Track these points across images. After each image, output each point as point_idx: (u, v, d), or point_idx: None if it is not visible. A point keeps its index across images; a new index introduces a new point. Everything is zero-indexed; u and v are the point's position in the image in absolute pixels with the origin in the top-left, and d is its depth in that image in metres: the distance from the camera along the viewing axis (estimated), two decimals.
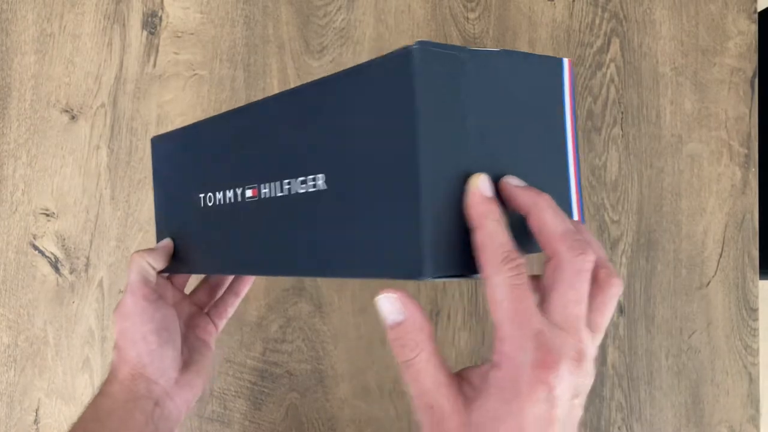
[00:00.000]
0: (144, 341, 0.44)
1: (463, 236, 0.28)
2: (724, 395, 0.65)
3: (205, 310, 0.52)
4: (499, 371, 0.26)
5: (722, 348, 0.66)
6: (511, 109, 0.32)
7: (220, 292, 0.54)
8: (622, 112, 0.68)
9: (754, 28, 0.69)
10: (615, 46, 0.68)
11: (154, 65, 0.67)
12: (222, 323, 0.53)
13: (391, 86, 0.29)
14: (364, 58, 0.67)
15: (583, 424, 0.64)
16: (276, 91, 0.66)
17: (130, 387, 0.44)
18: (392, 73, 0.29)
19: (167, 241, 0.47)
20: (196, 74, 0.67)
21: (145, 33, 0.67)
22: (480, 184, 0.28)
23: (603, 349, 0.65)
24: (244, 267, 0.41)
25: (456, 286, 0.65)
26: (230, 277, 0.54)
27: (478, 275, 0.28)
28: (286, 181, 0.36)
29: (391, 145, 0.29)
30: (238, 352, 0.64)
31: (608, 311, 0.29)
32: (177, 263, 0.47)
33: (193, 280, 0.53)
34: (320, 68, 0.67)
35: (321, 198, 0.33)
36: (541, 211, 0.28)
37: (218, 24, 0.67)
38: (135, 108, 0.66)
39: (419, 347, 0.28)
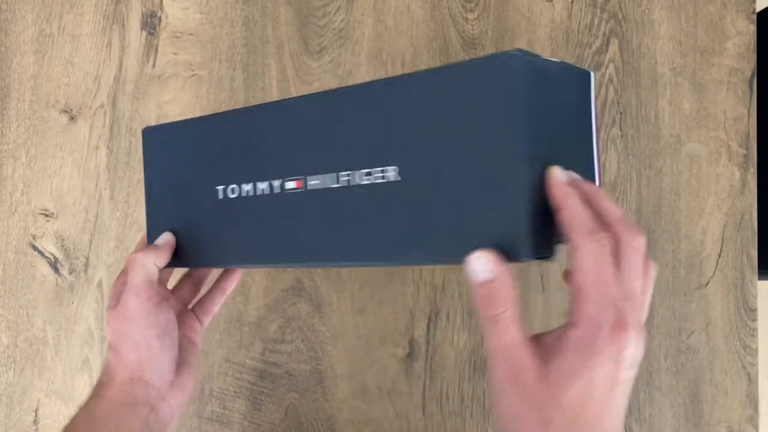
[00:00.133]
0: (147, 346, 0.43)
1: (544, 221, 0.32)
2: (722, 395, 0.65)
3: (189, 307, 0.51)
4: (578, 330, 0.29)
5: (721, 348, 0.66)
6: (561, 112, 0.35)
7: (204, 288, 0.52)
8: (620, 113, 0.68)
9: (753, 28, 0.69)
10: (614, 47, 0.68)
11: (154, 66, 0.67)
12: (207, 320, 0.51)
13: (493, 87, 0.32)
14: (363, 59, 0.67)
15: None
16: (274, 91, 0.66)
17: (128, 391, 0.43)
18: (495, 75, 0.32)
19: (169, 237, 0.46)
20: (195, 74, 0.67)
21: (144, 33, 0.67)
22: (559, 172, 0.32)
23: None
24: (278, 256, 0.42)
25: (455, 286, 0.65)
26: (215, 272, 0.53)
27: (552, 257, 0.33)
28: (344, 173, 0.37)
29: (493, 139, 0.32)
30: (238, 353, 0.64)
31: (650, 291, 0.32)
32: (178, 258, 0.46)
33: (175, 275, 0.52)
34: (319, 68, 0.67)
35: (393, 188, 0.35)
36: (601, 199, 0.32)
37: (217, 24, 0.67)
38: (134, 108, 0.66)
39: (506, 304, 0.31)
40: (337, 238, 0.38)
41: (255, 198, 0.42)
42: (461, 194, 0.33)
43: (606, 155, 0.67)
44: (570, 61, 0.68)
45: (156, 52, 0.67)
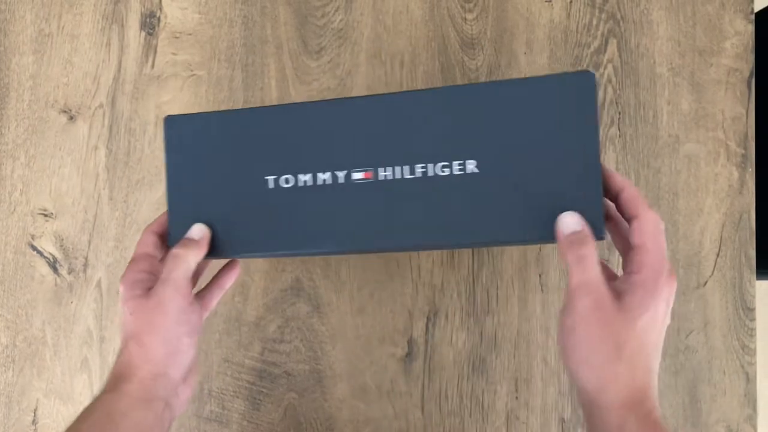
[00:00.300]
0: (177, 342, 0.43)
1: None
2: (721, 395, 0.66)
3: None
4: (642, 275, 0.37)
5: (719, 348, 0.66)
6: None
7: (202, 283, 0.52)
8: (619, 113, 0.68)
9: (751, 28, 0.70)
10: (612, 47, 0.69)
11: (153, 66, 0.67)
12: (205, 315, 0.51)
13: (574, 97, 0.41)
14: (362, 59, 0.67)
15: (582, 423, 0.64)
16: (273, 91, 0.66)
17: (149, 387, 0.42)
18: (576, 88, 0.41)
19: (206, 231, 0.46)
20: (194, 75, 0.67)
21: (143, 33, 0.67)
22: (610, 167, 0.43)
23: None
24: (341, 242, 0.45)
25: (454, 286, 0.65)
26: (212, 264, 0.52)
27: (604, 238, 0.41)
28: (420, 165, 0.43)
29: (573, 138, 0.41)
30: (237, 352, 0.64)
31: None
32: (211, 249, 0.46)
33: None
34: (318, 68, 0.67)
35: (473, 179, 0.43)
36: (632, 187, 0.41)
37: (216, 24, 0.67)
38: (133, 108, 0.66)
39: (591, 248, 0.38)
40: (412, 222, 0.43)
41: (315, 187, 0.45)
42: (539, 183, 0.41)
43: (604, 155, 0.67)
44: (567, 58, 0.68)
45: (155, 52, 0.67)
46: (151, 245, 0.46)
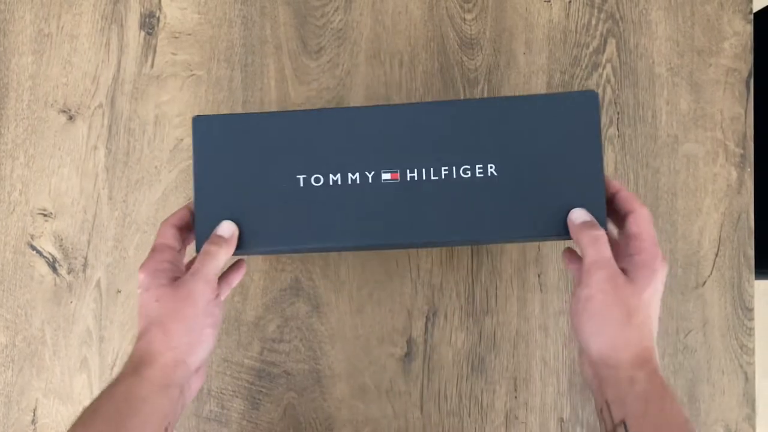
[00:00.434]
0: (201, 332, 0.45)
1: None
2: (720, 394, 0.66)
3: None
4: (642, 256, 0.44)
5: (718, 347, 0.66)
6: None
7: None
8: (618, 113, 0.68)
9: (750, 28, 0.70)
10: (611, 47, 0.69)
11: (152, 66, 0.67)
12: None
13: (580, 113, 0.48)
14: (361, 59, 0.67)
15: (581, 423, 0.64)
16: (273, 91, 0.67)
17: (169, 374, 0.43)
18: (581, 106, 0.48)
19: (235, 229, 0.48)
20: (193, 75, 0.67)
21: (142, 33, 0.67)
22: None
23: None
24: (368, 236, 0.49)
25: (453, 286, 0.65)
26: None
27: (606, 230, 0.47)
28: (444, 167, 0.48)
29: (579, 147, 0.48)
30: (236, 352, 0.64)
31: None
32: (239, 245, 0.49)
33: None
34: (317, 68, 0.67)
35: (492, 181, 0.48)
36: (625, 189, 0.48)
37: (216, 24, 0.67)
38: (133, 108, 0.66)
39: (602, 231, 0.45)
40: (436, 219, 0.48)
41: (345, 186, 0.49)
42: (550, 186, 0.48)
43: (603, 155, 0.67)
44: (566, 58, 0.68)
45: (154, 52, 0.67)
46: (171, 237, 0.48)
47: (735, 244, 0.67)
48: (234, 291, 0.64)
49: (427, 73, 0.68)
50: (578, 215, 0.46)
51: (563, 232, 0.47)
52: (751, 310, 0.67)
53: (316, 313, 0.64)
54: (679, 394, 0.65)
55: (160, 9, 0.67)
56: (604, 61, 0.68)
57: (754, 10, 0.72)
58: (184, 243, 0.50)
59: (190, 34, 0.67)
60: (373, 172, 0.49)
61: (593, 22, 0.69)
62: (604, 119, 0.68)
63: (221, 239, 0.47)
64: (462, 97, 0.67)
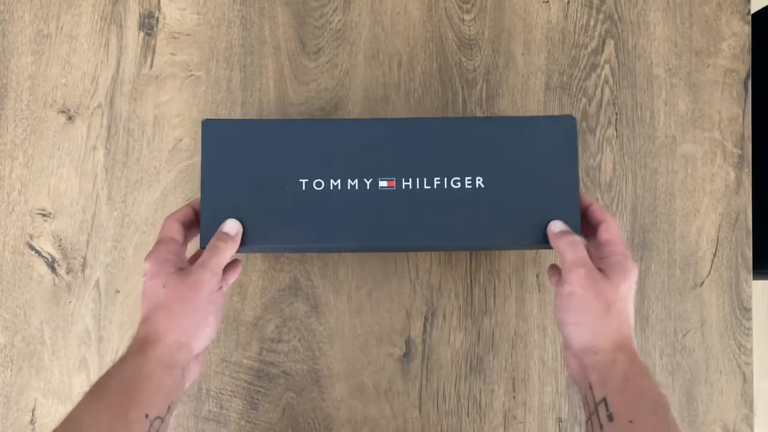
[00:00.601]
0: (204, 318, 0.48)
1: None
2: (718, 394, 0.66)
3: None
4: (615, 257, 0.49)
5: (716, 347, 0.66)
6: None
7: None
8: (616, 113, 0.68)
9: (748, 29, 0.70)
10: (609, 48, 0.69)
11: (151, 66, 0.67)
12: None
13: (560, 135, 0.54)
14: (360, 60, 0.67)
15: (579, 423, 0.64)
16: (272, 91, 0.67)
17: (173, 353, 0.46)
18: (561, 128, 0.54)
19: (239, 227, 0.52)
20: (192, 75, 0.67)
21: (141, 34, 0.67)
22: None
23: None
24: (363, 239, 0.53)
25: (451, 286, 0.65)
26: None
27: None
28: (437, 178, 0.53)
29: (558, 165, 0.53)
30: (235, 352, 0.64)
31: None
32: (242, 241, 0.53)
33: None
34: (316, 69, 0.67)
35: (480, 193, 0.53)
36: (596, 203, 0.54)
37: (215, 25, 0.67)
38: (132, 109, 0.66)
39: (578, 236, 0.51)
40: (427, 225, 0.53)
41: (344, 191, 0.53)
42: (532, 199, 0.53)
43: (601, 156, 0.68)
44: (565, 59, 0.69)
45: (153, 52, 0.67)
46: (176, 231, 0.51)
47: (733, 244, 0.67)
48: (233, 291, 0.64)
49: (425, 74, 0.68)
50: (556, 226, 0.52)
51: (542, 241, 0.52)
52: (749, 310, 0.67)
53: (315, 313, 0.64)
54: (678, 394, 0.65)
55: (159, 9, 0.68)
56: (602, 61, 0.69)
57: (752, 11, 0.73)
58: (186, 238, 0.53)
59: (189, 35, 0.67)
60: (371, 180, 0.53)
61: (592, 22, 0.69)
62: (603, 120, 0.68)
63: (227, 236, 0.51)
64: (461, 98, 0.67)
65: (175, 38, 0.67)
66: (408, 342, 0.65)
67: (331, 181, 0.53)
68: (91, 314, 0.64)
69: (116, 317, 0.64)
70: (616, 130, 0.68)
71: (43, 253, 0.65)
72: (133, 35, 0.67)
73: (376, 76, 0.67)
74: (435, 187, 0.53)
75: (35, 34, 0.67)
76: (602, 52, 0.69)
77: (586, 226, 0.54)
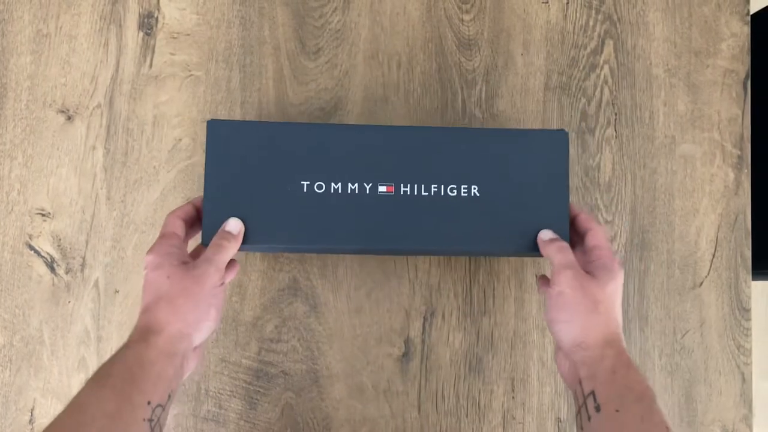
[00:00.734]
0: (206, 311, 0.49)
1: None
2: (717, 395, 0.66)
3: None
4: (601, 261, 0.51)
5: (715, 348, 0.66)
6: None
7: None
8: (615, 114, 0.68)
9: (747, 30, 0.70)
10: (609, 48, 0.69)
11: (150, 66, 0.67)
12: None
13: (552, 148, 0.56)
14: (359, 60, 0.67)
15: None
16: (271, 91, 0.67)
17: (174, 342, 0.47)
18: (553, 142, 0.57)
19: (242, 226, 0.53)
20: (192, 75, 0.67)
21: (141, 34, 0.67)
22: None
23: None
24: (361, 241, 0.55)
25: (450, 286, 0.65)
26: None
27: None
28: (434, 185, 0.55)
29: (550, 176, 0.56)
30: (234, 352, 0.64)
31: None
32: (243, 240, 0.54)
33: None
34: (316, 69, 0.67)
35: (475, 200, 0.55)
36: (584, 213, 0.57)
37: (214, 25, 0.67)
38: (131, 109, 0.66)
39: (566, 243, 0.53)
40: (423, 230, 0.55)
41: (344, 195, 0.55)
42: (524, 208, 0.55)
43: (601, 156, 0.68)
44: (564, 59, 0.69)
45: (153, 52, 0.67)
46: (178, 227, 0.52)
47: (732, 244, 0.67)
48: (232, 291, 0.64)
49: (425, 74, 0.68)
50: (546, 234, 0.55)
51: (533, 248, 0.55)
52: (748, 310, 0.67)
53: (314, 313, 0.64)
54: (677, 394, 0.66)
55: (158, 9, 0.68)
56: (601, 62, 0.69)
57: (752, 12, 0.73)
58: (187, 235, 0.54)
59: (188, 35, 0.67)
60: (370, 184, 0.55)
61: (591, 23, 0.69)
62: (602, 120, 0.68)
63: (230, 234, 0.52)
64: (460, 98, 0.67)
65: (174, 38, 0.67)
66: (407, 342, 0.65)
67: (332, 184, 0.55)
68: (90, 314, 0.64)
69: (115, 317, 0.64)
70: (616, 130, 0.68)
71: (42, 253, 0.65)
72: (132, 35, 0.67)
73: (376, 76, 0.67)
74: (432, 193, 0.55)
75: (34, 34, 0.67)
76: (601, 52, 0.69)
77: (573, 234, 0.56)
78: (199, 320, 0.49)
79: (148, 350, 0.46)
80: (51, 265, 0.65)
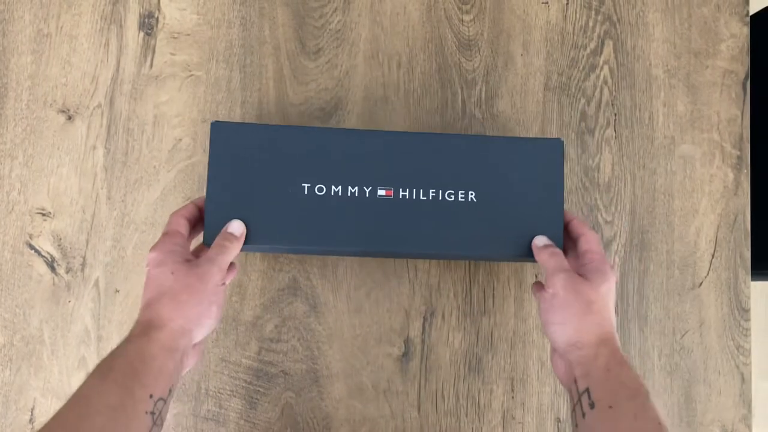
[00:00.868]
0: (208, 308, 0.50)
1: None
2: (716, 395, 0.66)
3: None
4: (593, 264, 0.52)
5: (714, 348, 0.66)
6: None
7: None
8: (615, 114, 0.68)
9: (746, 30, 0.70)
10: (608, 49, 0.69)
11: (151, 66, 0.67)
12: None
13: (548, 156, 0.58)
14: (360, 60, 0.67)
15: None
16: (271, 91, 0.67)
17: (176, 338, 0.48)
18: (549, 150, 0.58)
19: (243, 228, 0.54)
20: (192, 75, 0.67)
21: (141, 34, 0.67)
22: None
23: None
24: (360, 243, 0.56)
25: (450, 286, 0.65)
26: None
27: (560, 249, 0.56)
28: (432, 190, 0.56)
29: (545, 184, 0.57)
30: (234, 352, 0.64)
31: None
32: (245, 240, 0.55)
33: None
34: (316, 69, 0.67)
35: (472, 206, 0.56)
36: (577, 218, 0.58)
37: (214, 25, 0.68)
38: (131, 108, 0.66)
39: (559, 249, 0.55)
40: (421, 234, 0.56)
41: (344, 197, 0.56)
42: (520, 214, 0.57)
43: (600, 156, 0.68)
44: (563, 59, 0.69)
45: (153, 52, 0.67)
46: (182, 226, 0.53)
47: (731, 245, 0.67)
48: (232, 291, 0.65)
49: (425, 74, 0.68)
50: (540, 240, 0.56)
51: (528, 253, 0.56)
52: (747, 310, 0.67)
53: (314, 313, 0.65)
54: (676, 394, 0.66)
55: (159, 9, 0.68)
56: (601, 62, 0.69)
57: (751, 13, 0.73)
58: (190, 235, 0.55)
59: (189, 35, 0.67)
60: (370, 188, 0.56)
61: (590, 24, 0.69)
62: (602, 121, 0.68)
63: (233, 236, 0.53)
64: (460, 98, 0.68)
65: (174, 38, 0.67)
66: (407, 342, 0.65)
67: (333, 186, 0.56)
68: (91, 314, 0.64)
69: (115, 317, 0.64)
70: (615, 130, 0.68)
71: (43, 253, 0.65)
72: (133, 35, 0.67)
73: (376, 76, 0.68)
74: (430, 198, 0.56)
75: (35, 34, 0.67)
76: (601, 53, 0.69)
77: (567, 239, 0.57)
78: (201, 317, 0.50)
79: (150, 345, 0.46)
80: (51, 264, 0.65)
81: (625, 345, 0.66)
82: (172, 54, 0.67)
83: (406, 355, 0.64)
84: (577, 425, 0.48)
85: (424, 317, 0.65)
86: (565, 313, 0.51)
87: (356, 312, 0.65)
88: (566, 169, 0.67)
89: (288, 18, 0.68)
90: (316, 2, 0.68)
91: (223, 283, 0.52)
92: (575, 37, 0.69)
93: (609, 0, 0.70)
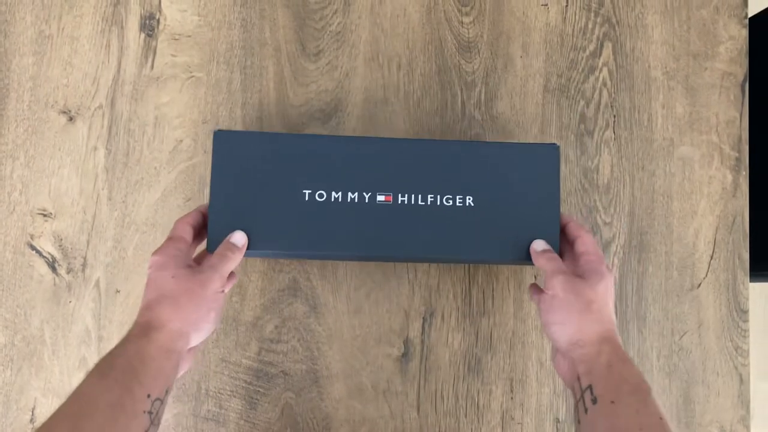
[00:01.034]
0: (207, 314, 0.51)
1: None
2: (714, 396, 0.66)
3: None
4: (590, 265, 0.53)
5: (713, 349, 0.67)
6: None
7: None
8: (614, 116, 0.68)
9: (745, 33, 0.70)
10: (607, 50, 0.69)
11: (152, 67, 0.67)
12: None
13: (544, 162, 0.58)
14: (359, 61, 0.68)
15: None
16: (272, 93, 0.67)
17: (174, 339, 0.48)
18: (546, 155, 0.59)
19: (245, 239, 0.55)
20: (193, 76, 0.67)
21: (142, 35, 0.68)
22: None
23: None
24: (360, 248, 0.57)
25: (450, 287, 0.66)
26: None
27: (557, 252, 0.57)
28: (431, 195, 0.57)
29: (542, 188, 0.58)
30: (234, 352, 0.64)
31: None
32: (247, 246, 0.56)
33: None
34: (316, 71, 0.68)
35: (470, 210, 0.57)
36: (573, 221, 0.58)
37: (215, 27, 0.68)
38: (132, 110, 0.67)
39: (557, 254, 0.56)
40: (420, 238, 0.57)
41: (344, 203, 0.57)
42: (517, 219, 0.57)
43: (599, 158, 0.68)
44: (563, 61, 0.69)
45: (154, 53, 0.67)
46: (187, 233, 0.54)
47: (730, 246, 0.68)
48: (232, 291, 0.65)
49: (424, 76, 0.68)
50: (538, 245, 0.57)
51: (526, 257, 0.57)
52: (746, 312, 0.67)
53: (314, 313, 0.65)
54: (675, 395, 0.66)
55: (160, 11, 0.68)
56: (600, 64, 0.69)
57: (750, 15, 0.73)
58: (194, 241, 0.56)
59: (189, 36, 0.68)
60: (369, 194, 0.57)
61: (590, 25, 0.69)
62: (601, 122, 0.68)
63: (235, 247, 0.54)
64: (460, 100, 0.68)
65: (175, 40, 0.68)
66: (406, 342, 0.65)
67: (333, 192, 0.57)
68: (91, 314, 0.64)
69: (116, 317, 0.64)
70: (614, 132, 0.68)
71: (44, 253, 0.65)
72: (134, 36, 0.67)
73: (376, 78, 0.68)
74: (429, 203, 0.57)
75: (37, 35, 0.67)
76: (600, 54, 0.69)
77: (563, 241, 0.58)
78: (199, 321, 0.50)
79: (149, 345, 0.47)
80: (52, 264, 0.65)
81: (624, 346, 0.66)
82: (173, 55, 0.67)
83: (405, 355, 0.65)
84: (579, 421, 0.48)
85: (423, 318, 0.65)
86: (565, 313, 0.51)
87: (356, 313, 0.65)
88: (565, 171, 0.67)
89: (288, 20, 0.68)
90: (317, 4, 0.68)
91: (223, 291, 0.53)
92: (574, 39, 0.69)
93: (608, 2, 0.70)
